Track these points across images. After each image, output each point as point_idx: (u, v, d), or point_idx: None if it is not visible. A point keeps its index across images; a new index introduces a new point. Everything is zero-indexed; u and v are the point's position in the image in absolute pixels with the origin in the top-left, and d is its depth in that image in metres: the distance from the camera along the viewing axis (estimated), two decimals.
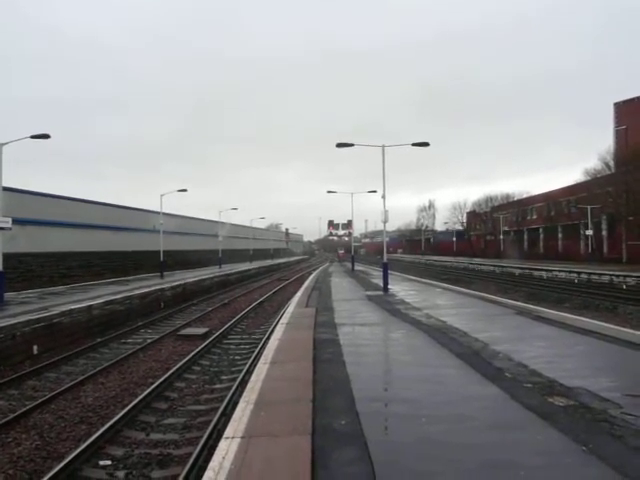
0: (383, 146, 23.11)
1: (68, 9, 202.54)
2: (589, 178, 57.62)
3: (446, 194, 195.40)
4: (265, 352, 9.75)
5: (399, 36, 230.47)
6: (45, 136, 20.84)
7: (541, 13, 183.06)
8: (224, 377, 12.18)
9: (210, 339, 16.17)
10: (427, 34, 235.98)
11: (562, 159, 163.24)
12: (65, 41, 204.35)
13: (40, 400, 10.06)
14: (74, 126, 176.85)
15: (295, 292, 26.40)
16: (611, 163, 54.88)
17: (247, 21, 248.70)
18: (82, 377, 11.93)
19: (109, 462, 7.36)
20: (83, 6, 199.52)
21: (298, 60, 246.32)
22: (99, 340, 16.59)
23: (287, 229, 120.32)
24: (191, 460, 6.89)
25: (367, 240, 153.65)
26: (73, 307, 17.35)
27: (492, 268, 53.41)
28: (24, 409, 9.50)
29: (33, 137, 20.69)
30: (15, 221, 21.80)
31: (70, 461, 6.98)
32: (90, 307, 18.28)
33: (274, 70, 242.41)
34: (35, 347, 14.57)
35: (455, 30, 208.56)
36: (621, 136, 55.51)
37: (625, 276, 32.74)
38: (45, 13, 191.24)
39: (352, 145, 23.52)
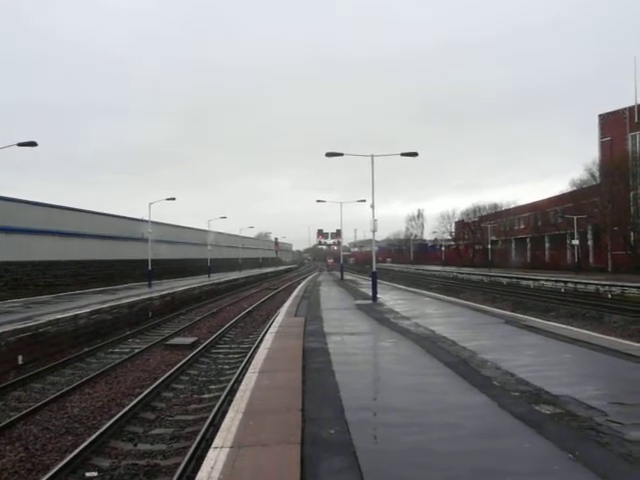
0: (372, 156, 23.27)
1: (61, 14, 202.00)
2: (575, 188, 58.41)
3: (436, 204, 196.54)
4: (254, 361, 9.72)
5: (397, 46, 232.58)
6: (32, 144, 20.73)
7: (539, 25, 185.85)
8: (212, 387, 12.10)
9: (198, 348, 16.07)
10: (425, 45, 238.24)
11: (553, 168, 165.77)
12: (58, 46, 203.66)
13: (25, 411, 9.92)
14: (64, 132, 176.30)
15: (284, 301, 26.35)
16: (597, 174, 55.64)
17: (243, 28, 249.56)
18: (68, 387, 11.79)
19: (95, 474, 7.26)
20: (77, 11, 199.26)
21: (292, 68, 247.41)
22: (86, 350, 16.41)
23: (276, 238, 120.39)
24: (179, 470, 6.83)
25: (356, 249, 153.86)
26: (59, 316, 17.17)
27: (480, 277, 53.72)
28: (8, 420, 9.35)
29: (20, 145, 20.57)
30: (1, 229, 21.61)
31: (55, 473, 6.89)
32: (77, 316, 18.09)
33: (268, 78, 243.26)
34: (20, 357, 14.38)
35: (450, 43, 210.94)
36: (606, 147, 56.27)
37: (610, 285, 33.10)
38: (40, 16, 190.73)
39: (341, 154, 23.65)
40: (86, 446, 7.83)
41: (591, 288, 34.71)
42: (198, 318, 24.75)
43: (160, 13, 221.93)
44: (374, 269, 25.03)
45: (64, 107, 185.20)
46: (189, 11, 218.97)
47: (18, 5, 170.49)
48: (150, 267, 37.23)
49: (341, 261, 58.85)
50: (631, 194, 49.82)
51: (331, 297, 27.29)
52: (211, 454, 4.93)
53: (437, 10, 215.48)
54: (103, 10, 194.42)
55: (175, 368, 13.27)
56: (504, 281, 47.12)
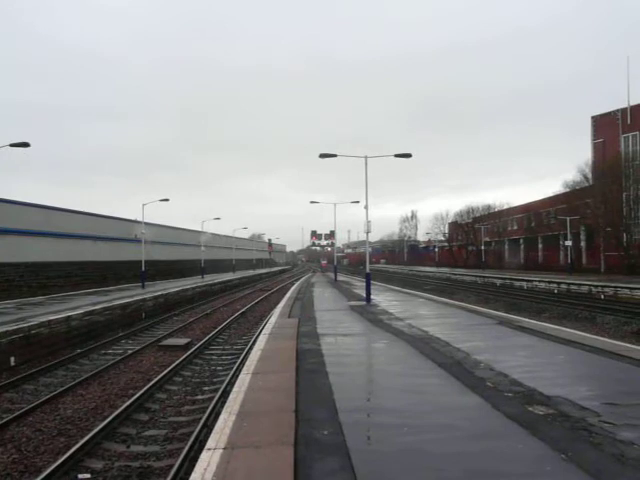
0: (366, 157, 23.27)
1: (60, 15, 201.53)
2: (568, 190, 58.71)
3: (429, 205, 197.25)
4: (247, 363, 9.71)
5: (394, 48, 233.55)
6: (25, 144, 20.61)
7: (536, 26, 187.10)
8: (206, 388, 12.07)
9: (192, 350, 16.02)
10: (424, 47, 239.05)
11: (547, 170, 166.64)
12: (56, 47, 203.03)
13: (17, 413, 9.86)
14: (60, 134, 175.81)
15: (277, 302, 26.33)
16: (589, 175, 55.97)
17: (242, 29, 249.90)
18: (61, 389, 11.73)
19: (88, 475, 7.23)
20: (75, 13, 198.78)
21: (291, 69, 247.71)
22: (79, 351, 16.33)
23: (270, 239, 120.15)
24: (172, 472, 6.81)
25: (350, 250, 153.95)
26: (52, 318, 17.08)
27: (474, 278, 53.86)
28: (1, 422, 9.29)
29: (12, 145, 20.45)
30: None
31: (48, 475, 6.85)
32: (69, 318, 18.00)
33: (266, 79, 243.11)
34: (12, 359, 14.30)
35: (450, 44, 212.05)
36: (598, 149, 56.63)
37: (603, 286, 33.28)
38: (37, 18, 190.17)
39: (335, 156, 23.65)
40: (79, 448, 7.79)
41: (584, 289, 34.88)
42: (192, 319, 24.69)
43: (158, 14, 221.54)
44: (368, 270, 25.05)
45: (61, 109, 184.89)
46: (187, 12, 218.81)
47: (16, 7, 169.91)
48: (143, 268, 37.09)
49: (335, 262, 58.77)
50: (624, 195, 50.14)
51: (325, 298, 27.28)
52: (204, 455, 4.92)
53: (436, 11, 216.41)
54: (101, 11, 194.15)
55: (168, 369, 13.23)
56: (497, 282, 47.28)
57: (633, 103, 54.03)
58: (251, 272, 74.01)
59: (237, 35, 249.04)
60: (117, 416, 9.38)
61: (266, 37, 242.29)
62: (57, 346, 16.61)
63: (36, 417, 9.81)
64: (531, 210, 68.73)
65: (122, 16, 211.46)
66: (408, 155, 23.14)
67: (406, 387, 7.59)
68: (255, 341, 14.45)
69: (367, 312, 18.54)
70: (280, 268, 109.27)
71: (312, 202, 43.45)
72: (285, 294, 32.22)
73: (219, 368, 14.22)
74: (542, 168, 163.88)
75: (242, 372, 8.88)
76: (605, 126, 56.40)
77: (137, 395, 10.74)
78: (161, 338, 18.90)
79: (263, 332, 14.39)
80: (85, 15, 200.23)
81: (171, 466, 7.14)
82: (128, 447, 8.33)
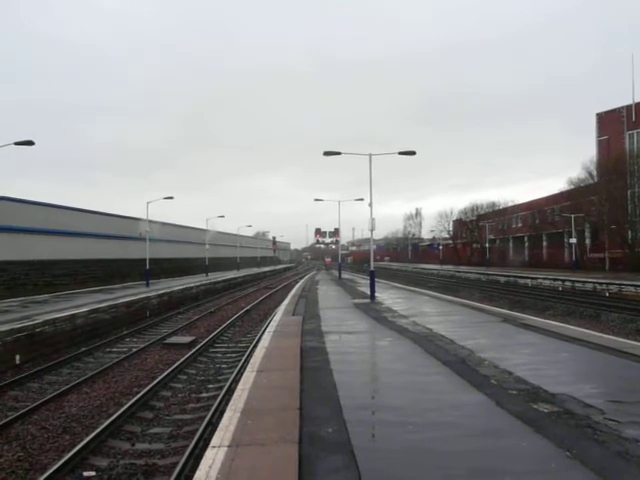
0: (370, 155, 23.24)
1: (61, 14, 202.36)
2: (573, 187, 58.51)
3: (434, 203, 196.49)
4: (252, 360, 9.72)
5: (398, 46, 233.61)
6: (29, 142, 20.63)
7: (538, 25, 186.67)
8: (211, 386, 12.10)
9: (196, 347, 16.06)
10: (425, 44, 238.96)
11: (551, 168, 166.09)
12: (58, 46, 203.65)
13: (22, 411, 9.90)
14: (64, 132, 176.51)
15: (282, 300, 26.34)
16: (594, 172, 55.76)
17: (243, 29, 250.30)
18: (66, 387, 11.77)
19: (93, 473, 7.25)
20: (76, 12, 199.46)
21: (292, 67, 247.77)
22: (84, 349, 16.40)
23: (274, 237, 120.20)
24: (177, 470, 6.83)
25: (354, 248, 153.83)
26: (57, 316, 17.14)
27: (478, 276, 53.76)
28: (6, 420, 9.33)
29: (17, 144, 20.47)
30: None
31: (53, 472, 6.88)
32: (74, 316, 18.06)
33: (268, 78, 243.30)
34: (17, 357, 14.36)
35: (451, 44, 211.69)
36: (603, 146, 56.41)
37: (608, 284, 33.16)
38: (40, 17, 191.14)
39: (339, 153, 23.62)
40: (84, 445, 7.82)
41: (589, 286, 34.76)
42: (196, 317, 24.74)
43: (159, 14, 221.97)
44: (372, 268, 25.03)
45: (64, 107, 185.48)
46: (187, 11, 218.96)
47: (18, 6, 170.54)
48: (148, 266, 37.16)
49: (339, 260, 58.80)
50: (628, 192, 49.97)
51: (329, 296, 27.28)
52: (209, 453, 4.93)
53: (438, 10, 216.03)
54: (101, 11, 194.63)
55: (173, 367, 13.26)
56: (502, 280, 47.17)
57: (638, 100, 53.79)
58: (255, 270, 74.09)
59: (238, 35, 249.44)
60: (122, 414, 9.41)
61: (267, 37, 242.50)
62: (62, 344, 16.67)
63: (41, 415, 9.85)
64: (535, 208, 68.55)
65: (123, 16, 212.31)
66: (412, 153, 23.10)
67: (410, 385, 7.59)
68: (259, 339, 14.46)
69: (371, 310, 18.53)
70: (284, 266, 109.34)
71: (316, 200, 43.42)
72: (289, 292, 32.25)
73: (224, 366, 14.25)
74: (546, 166, 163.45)
75: (247, 370, 8.89)
76: (610, 123, 56.17)
77: (142, 393, 10.77)
78: (165, 336, 18.94)
79: (267, 330, 14.41)
80: (85, 15, 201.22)
81: (176, 464, 7.16)
82: (133, 445, 8.36)
